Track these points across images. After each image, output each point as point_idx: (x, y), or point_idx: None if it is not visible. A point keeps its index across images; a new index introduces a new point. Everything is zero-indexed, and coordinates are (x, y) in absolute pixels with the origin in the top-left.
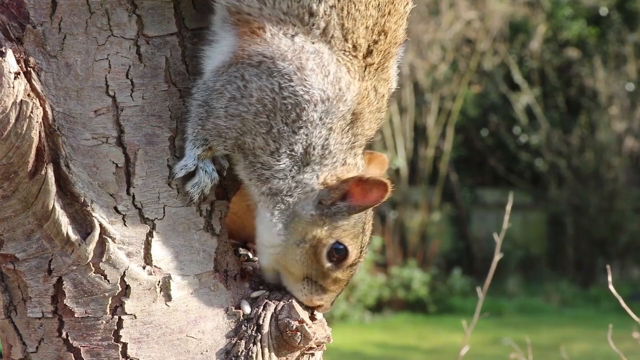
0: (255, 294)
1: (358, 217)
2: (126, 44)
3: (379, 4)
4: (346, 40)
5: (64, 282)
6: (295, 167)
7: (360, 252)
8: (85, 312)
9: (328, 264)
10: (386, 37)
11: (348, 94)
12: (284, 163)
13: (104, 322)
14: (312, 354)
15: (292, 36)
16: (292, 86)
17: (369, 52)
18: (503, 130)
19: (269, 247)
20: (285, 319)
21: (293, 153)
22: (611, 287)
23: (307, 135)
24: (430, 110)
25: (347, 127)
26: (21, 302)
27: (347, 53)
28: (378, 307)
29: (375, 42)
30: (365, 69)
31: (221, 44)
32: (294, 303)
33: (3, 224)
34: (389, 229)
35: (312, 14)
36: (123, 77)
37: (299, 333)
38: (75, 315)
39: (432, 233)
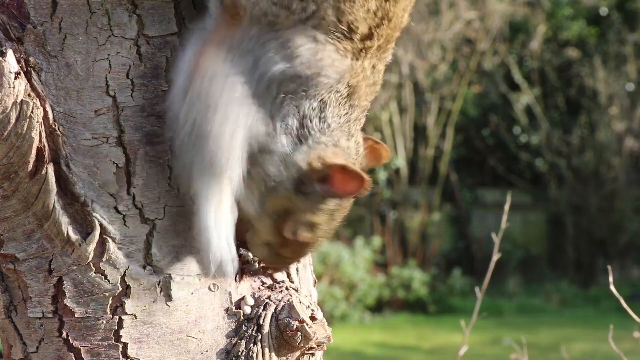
0: (255, 294)
1: (330, 203)
2: (126, 44)
3: None
4: (340, 21)
5: (64, 282)
6: (290, 145)
7: (323, 233)
8: (86, 312)
9: (290, 237)
10: (390, 22)
11: (330, 69)
12: (281, 141)
13: (105, 322)
14: (313, 354)
15: (259, 29)
16: (261, 67)
17: (370, 35)
18: (503, 130)
19: (244, 210)
20: (286, 319)
21: (288, 127)
22: (612, 288)
23: (296, 108)
24: (430, 110)
25: (344, 100)
26: (21, 302)
27: (339, 33)
28: (378, 307)
29: (378, 26)
30: (362, 50)
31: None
32: (295, 303)
33: (3, 224)
34: (389, 229)
35: None
36: (123, 77)
37: (299, 333)
38: (76, 315)
39: (432, 233)
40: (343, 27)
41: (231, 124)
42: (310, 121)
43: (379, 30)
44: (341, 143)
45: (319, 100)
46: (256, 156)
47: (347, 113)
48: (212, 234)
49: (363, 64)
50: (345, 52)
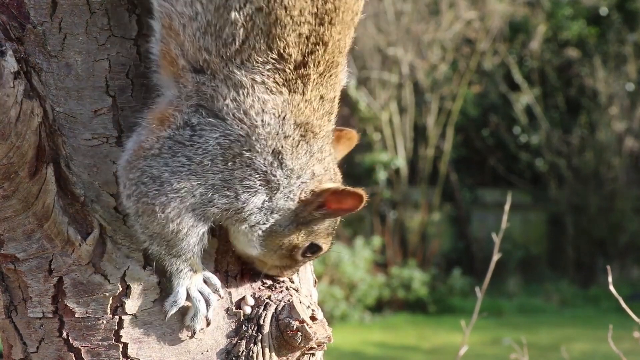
0: (255, 294)
1: (332, 219)
2: (126, 44)
3: (317, 12)
4: (270, 49)
5: (64, 282)
6: (266, 199)
7: (332, 241)
8: (86, 312)
9: (300, 258)
10: (326, 47)
11: (264, 115)
12: (252, 202)
13: (105, 322)
14: (313, 354)
15: (186, 97)
16: (199, 146)
17: (303, 63)
18: (503, 130)
19: (244, 254)
20: (286, 319)
21: (251, 189)
22: (611, 288)
23: (251, 168)
24: (430, 110)
25: (299, 142)
26: (22, 302)
27: (269, 64)
28: (378, 307)
29: (312, 52)
30: (299, 80)
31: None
32: (295, 303)
33: (3, 224)
34: (389, 229)
35: (231, 23)
36: (123, 77)
37: (299, 333)
38: (76, 315)
39: (432, 233)
40: (274, 56)
41: (175, 206)
42: (274, 176)
43: (313, 57)
44: (317, 171)
45: (270, 152)
46: (236, 217)
47: (307, 151)
48: (174, 281)
49: (305, 97)
50: (277, 87)
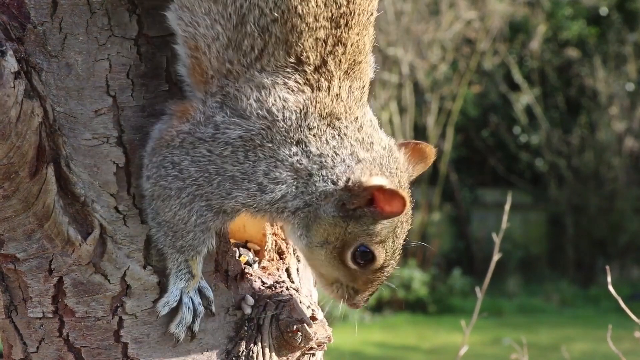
0: (256, 294)
1: (386, 222)
2: (127, 44)
3: (332, 16)
4: (288, 54)
5: (64, 282)
6: (297, 185)
7: (391, 255)
8: (86, 312)
9: (354, 266)
10: (345, 47)
11: (285, 111)
12: (280, 189)
13: (105, 322)
14: (313, 354)
15: (212, 95)
16: (221, 140)
17: (324, 63)
18: (503, 130)
19: (298, 249)
20: (286, 319)
21: (278, 180)
22: (611, 288)
23: (274, 158)
24: (430, 110)
25: (327, 129)
26: (22, 302)
27: (289, 68)
28: (378, 307)
29: (331, 52)
30: (322, 78)
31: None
32: (295, 303)
33: (4, 224)
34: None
35: (249, 35)
36: (124, 77)
37: (299, 333)
38: (76, 315)
39: (432, 233)
40: (292, 60)
41: (190, 192)
42: (300, 164)
43: (333, 57)
44: (363, 157)
45: (294, 143)
46: (271, 209)
47: (337, 135)
48: (170, 281)
49: (332, 92)
50: (299, 86)
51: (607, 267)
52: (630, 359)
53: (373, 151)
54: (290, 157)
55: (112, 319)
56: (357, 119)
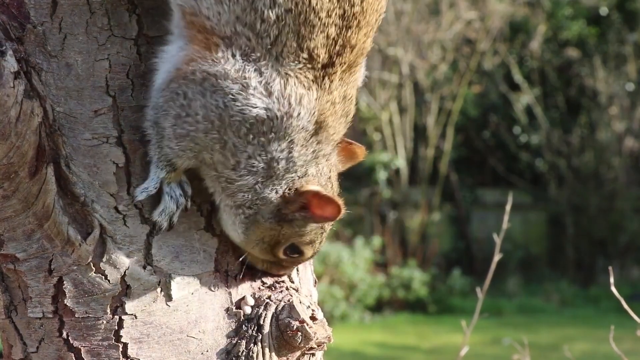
0: (256, 294)
1: (316, 225)
2: (127, 43)
3: (344, 14)
4: (300, 48)
5: (64, 282)
6: (259, 182)
7: (318, 247)
8: (86, 312)
9: (283, 257)
10: (352, 50)
11: (300, 108)
12: (246, 179)
13: (105, 322)
14: (313, 354)
15: (240, 55)
16: (238, 105)
17: (331, 63)
18: (503, 130)
19: (231, 238)
20: (286, 319)
21: (253, 168)
22: (613, 289)
23: (264, 149)
24: (430, 110)
25: (311, 138)
26: (21, 302)
27: (301, 64)
28: (378, 307)
29: (339, 53)
30: (326, 77)
31: (169, 53)
32: (295, 303)
33: (3, 224)
34: (389, 229)
35: (263, 20)
36: (124, 77)
37: (299, 333)
38: (76, 315)
39: (432, 233)
40: (304, 55)
41: (190, 121)
42: (277, 163)
43: (340, 59)
44: (310, 171)
45: (288, 140)
46: (226, 186)
47: (314, 151)
48: (151, 169)
49: (331, 96)
50: (309, 82)
51: (610, 268)
52: (631, 359)
53: (320, 165)
54: (275, 152)
55: (111, 319)
56: (336, 140)
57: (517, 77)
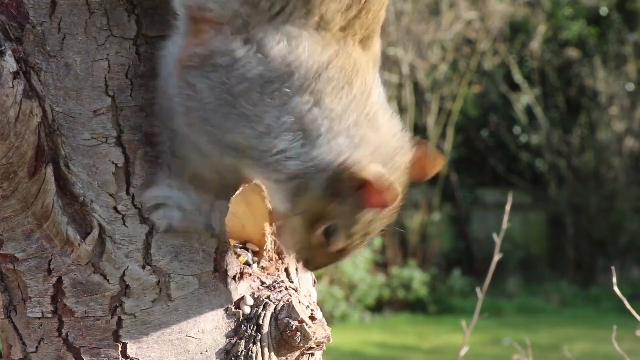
0: (255, 294)
1: (368, 214)
2: (126, 43)
3: None
4: (311, 14)
5: (63, 282)
6: (303, 142)
7: (354, 246)
8: (85, 312)
9: (322, 238)
10: (368, 15)
11: (310, 60)
12: (286, 137)
13: (104, 321)
14: (312, 354)
15: (231, 32)
16: (240, 70)
17: (349, 24)
18: (503, 130)
19: (275, 208)
20: (285, 319)
21: (285, 125)
22: (615, 288)
23: (286, 104)
24: (430, 110)
25: (344, 85)
26: (21, 302)
27: (312, 28)
28: (378, 307)
29: (356, 16)
30: (348, 37)
31: (170, 48)
32: (294, 303)
33: (2, 224)
34: (389, 229)
35: None
36: (123, 77)
37: (298, 333)
38: (75, 315)
39: (432, 233)
40: (316, 19)
41: (199, 114)
42: (311, 113)
43: (359, 21)
44: (368, 137)
45: (309, 92)
46: (269, 161)
47: (354, 98)
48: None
49: (357, 49)
50: (324, 40)
51: (613, 268)
52: (632, 359)
53: (380, 135)
54: (303, 104)
55: (111, 318)
56: (366, 84)
57: (517, 77)
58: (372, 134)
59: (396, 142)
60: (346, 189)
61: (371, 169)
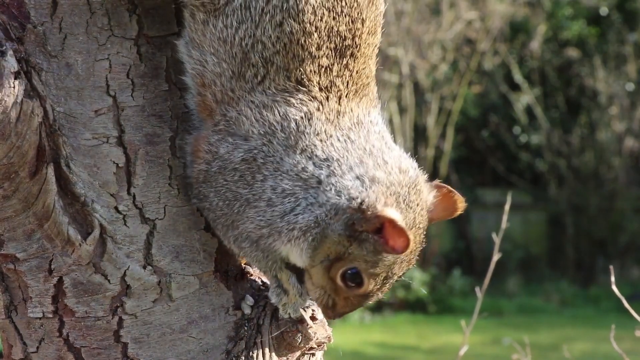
0: (255, 294)
1: (388, 256)
2: (127, 43)
3: (336, 47)
4: (289, 78)
5: (64, 282)
6: (307, 196)
7: (379, 288)
8: (86, 312)
9: (340, 283)
10: (352, 74)
11: (284, 121)
12: (289, 201)
13: (105, 322)
14: (313, 354)
15: (213, 131)
16: (229, 167)
17: (331, 84)
18: (503, 130)
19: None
20: (286, 319)
21: (286, 191)
22: (614, 288)
23: (278, 171)
24: (430, 110)
25: (333, 131)
26: (22, 302)
27: (290, 91)
28: (378, 307)
29: (338, 76)
30: (330, 94)
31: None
32: None
33: (4, 224)
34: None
35: (253, 66)
36: (124, 77)
37: (299, 333)
38: (76, 315)
39: (431, 233)
40: (292, 83)
41: (213, 217)
42: (306, 171)
43: (341, 79)
44: (377, 176)
45: (297, 152)
46: (285, 225)
47: (350, 141)
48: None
49: (342, 102)
50: (302, 102)
51: (611, 267)
52: (631, 359)
53: (390, 174)
54: (295, 166)
55: (112, 319)
56: (362, 126)
57: (517, 77)
58: (379, 171)
59: (408, 179)
60: (364, 231)
61: (387, 212)
